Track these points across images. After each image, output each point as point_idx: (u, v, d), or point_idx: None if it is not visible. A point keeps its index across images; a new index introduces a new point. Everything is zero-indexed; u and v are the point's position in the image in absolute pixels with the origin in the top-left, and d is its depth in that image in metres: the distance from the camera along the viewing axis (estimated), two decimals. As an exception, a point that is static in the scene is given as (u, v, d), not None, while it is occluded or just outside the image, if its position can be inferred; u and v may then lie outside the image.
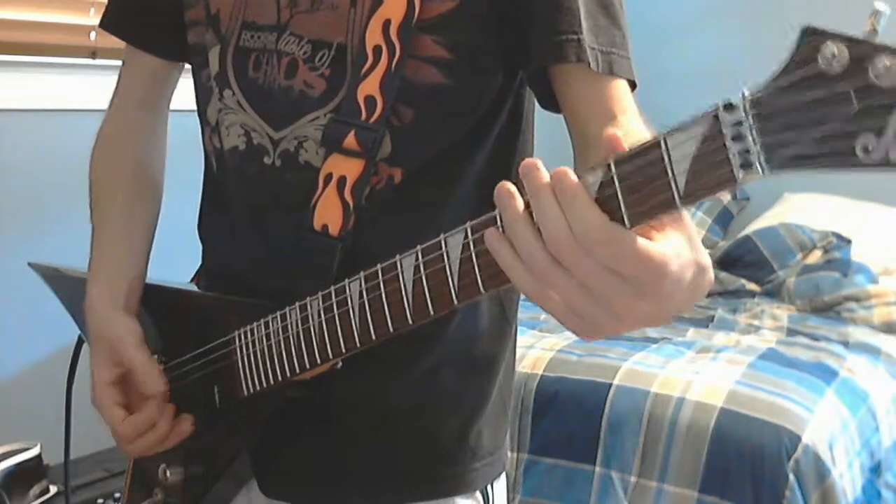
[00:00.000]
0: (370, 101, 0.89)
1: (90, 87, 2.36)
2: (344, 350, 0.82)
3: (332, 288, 0.82)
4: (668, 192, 0.57)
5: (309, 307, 0.84)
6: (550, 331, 2.57)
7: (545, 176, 0.61)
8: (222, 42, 0.97)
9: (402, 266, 0.73)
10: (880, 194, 3.44)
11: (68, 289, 1.15)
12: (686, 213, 0.63)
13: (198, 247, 1.09)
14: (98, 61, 2.35)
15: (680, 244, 0.62)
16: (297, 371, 0.87)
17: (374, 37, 0.89)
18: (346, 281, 0.80)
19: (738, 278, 3.08)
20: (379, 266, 0.76)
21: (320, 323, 0.83)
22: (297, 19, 0.93)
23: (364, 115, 0.89)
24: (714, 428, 2.08)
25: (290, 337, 0.87)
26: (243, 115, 0.96)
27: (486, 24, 0.89)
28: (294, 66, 0.93)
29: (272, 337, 0.89)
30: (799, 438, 2.02)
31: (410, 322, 0.74)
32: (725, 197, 3.77)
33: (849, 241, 3.19)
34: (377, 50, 0.88)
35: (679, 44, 3.85)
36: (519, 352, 2.34)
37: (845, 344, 2.56)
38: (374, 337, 0.78)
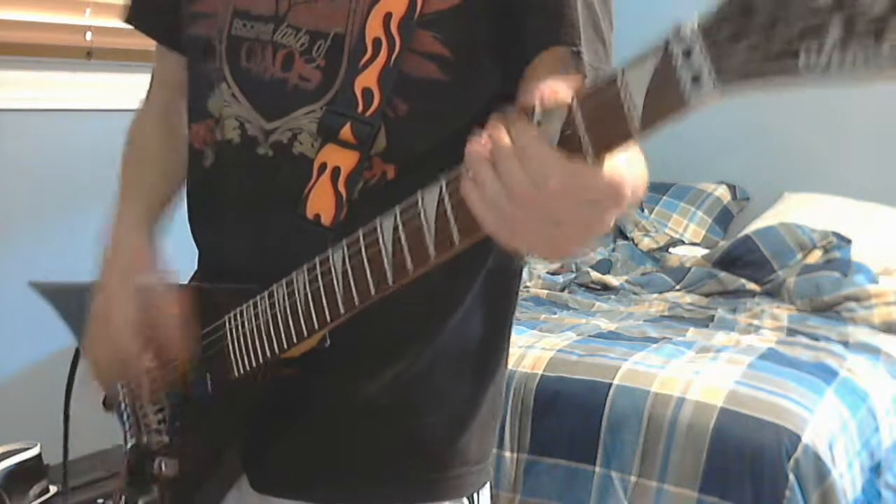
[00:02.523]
0: (367, 93, 0.89)
1: (85, 88, 2.36)
2: (329, 319, 0.83)
3: (317, 259, 0.83)
4: (626, 121, 0.59)
5: (295, 281, 0.86)
6: (550, 331, 2.57)
7: (507, 137, 0.64)
8: (220, 33, 0.97)
9: (381, 227, 0.75)
10: (880, 194, 3.44)
11: (68, 301, 1.15)
12: None
13: (194, 249, 1.09)
14: (93, 61, 2.35)
15: (622, 159, 0.65)
16: (286, 346, 0.88)
17: (374, 29, 0.89)
18: (330, 250, 0.81)
19: (738, 278, 3.08)
20: (360, 231, 0.78)
21: (306, 294, 0.85)
22: (296, 10, 0.93)
23: (361, 108, 0.89)
24: (714, 428, 2.08)
25: (278, 313, 0.88)
26: (237, 107, 0.96)
27: (486, 24, 0.89)
28: (290, 59, 0.93)
29: (261, 316, 0.90)
30: (799, 438, 2.01)
31: (391, 282, 0.76)
32: (725, 197, 3.77)
33: (849, 241, 3.19)
34: (377, 42, 0.89)
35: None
36: (519, 352, 2.36)
37: (845, 344, 2.55)
38: (356, 302, 0.80)
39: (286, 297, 0.87)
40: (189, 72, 1.04)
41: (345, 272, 0.80)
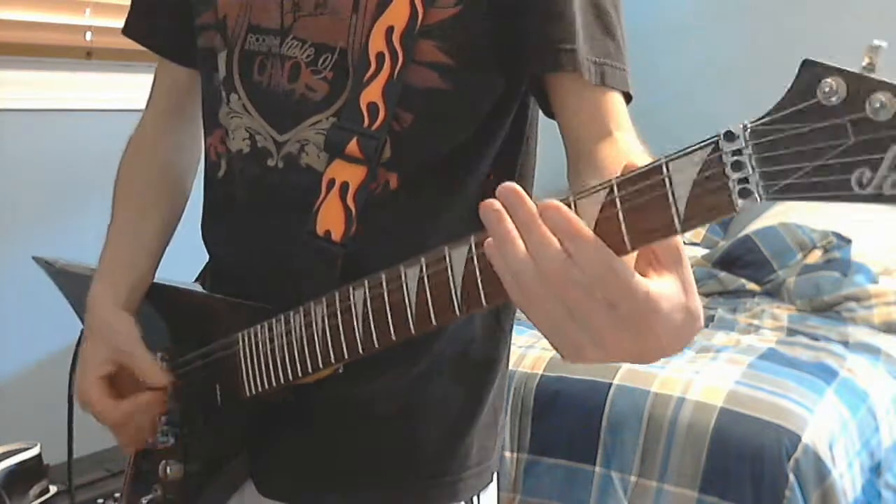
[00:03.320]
0: (372, 107, 0.89)
1: (85, 88, 2.36)
2: (346, 356, 0.82)
3: (336, 294, 0.81)
4: (669, 215, 0.57)
5: (313, 312, 0.84)
6: (550, 331, 2.57)
7: (532, 206, 0.60)
8: (229, 46, 0.98)
9: (405, 276, 0.73)
10: (880, 194, 3.43)
11: (71, 283, 1.16)
12: (686, 259, 0.64)
13: (196, 252, 1.09)
14: (93, 61, 2.35)
15: (674, 287, 0.62)
16: (300, 375, 0.88)
17: (376, 43, 0.89)
18: (350, 288, 0.80)
19: (738, 278, 3.08)
20: (383, 275, 0.75)
21: (324, 329, 0.83)
22: (300, 23, 0.94)
23: (366, 122, 0.89)
24: (714, 428, 2.08)
25: (294, 341, 0.87)
26: (248, 119, 0.97)
27: (486, 30, 0.89)
28: (297, 70, 0.93)
29: (275, 340, 0.89)
30: (799, 438, 2.01)
31: (413, 332, 0.74)
32: (725, 197, 3.77)
33: (849, 241, 3.19)
34: (380, 57, 0.89)
35: (675, 45, 3.85)
36: (519, 352, 2.36)
37: (845, 344, 2.55)
38: (376, 345, 0.78)
39: (303, 328, 0.86)
40: (202, 83, 1.04)
41: (365, 314, 0.78)
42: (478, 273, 0.67)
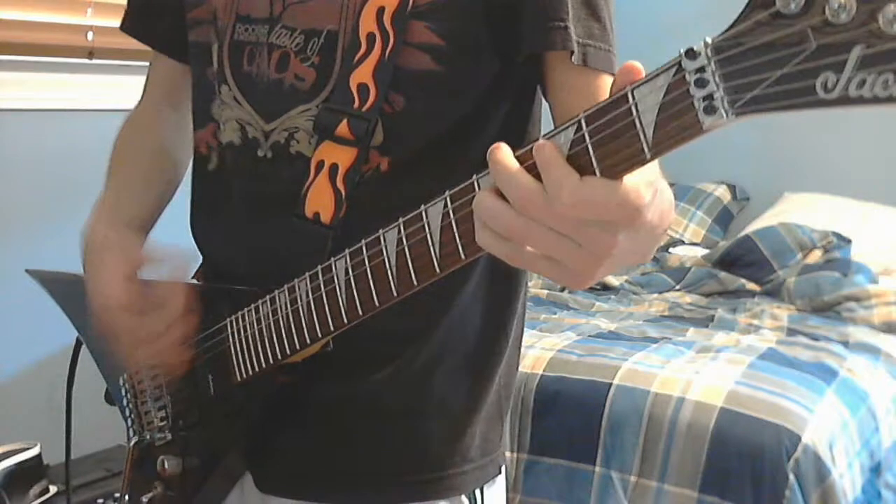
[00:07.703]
0: (363, 88, 0.89)
1: (87, 88, 2.36)
2: (332, 328, 0.83)
3: (319, 267, 0.82)
4: (637, 143, 0.58)
5: (297, 288, 0.85)
6: (550, 331, 2.57)
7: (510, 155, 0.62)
8: (220, 38, 0.98)
9: (385, 240, 0.74)
10: (880, 194, 3.44)
11: (66, 291, 1.15)
12: None
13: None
14: (95, 61, 2.35)
15: (645, 170, 0.62)
16: (288, 353, 0.88)
17: (367, 24, 0.89)
18: (333, 259, 0.81)
19: (738, 278, 3.08)
20: (363, 241, 0.77)
21: (308, 303, 0.84)
22: (290, 11, 0.94)
23: (357, 103, 0.89)
24: (714, 428, 2.08)
25: (280, 319, 0.88)
26: (238, 110, 0.97)
27: (478, 11, 0.89)
28: (285, 60, 0.93)
29: (262, 321, 0.90)
30: (799, 438, 2.02)
31: (395, 294, 0.75)
32: (725, 197, 3.77)
33: (849, 241, 3.19)
34: (370, 37, 0.89)
35: (675, 45, 3.85)
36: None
37: (845, 344, 2.55)
38: (360, 312, 0.79)
39: (288, 304, 0.86)
40: (193, 78, 1.04)
41: (348, 282, 0.79)
42: (454, 226, 0.68)
